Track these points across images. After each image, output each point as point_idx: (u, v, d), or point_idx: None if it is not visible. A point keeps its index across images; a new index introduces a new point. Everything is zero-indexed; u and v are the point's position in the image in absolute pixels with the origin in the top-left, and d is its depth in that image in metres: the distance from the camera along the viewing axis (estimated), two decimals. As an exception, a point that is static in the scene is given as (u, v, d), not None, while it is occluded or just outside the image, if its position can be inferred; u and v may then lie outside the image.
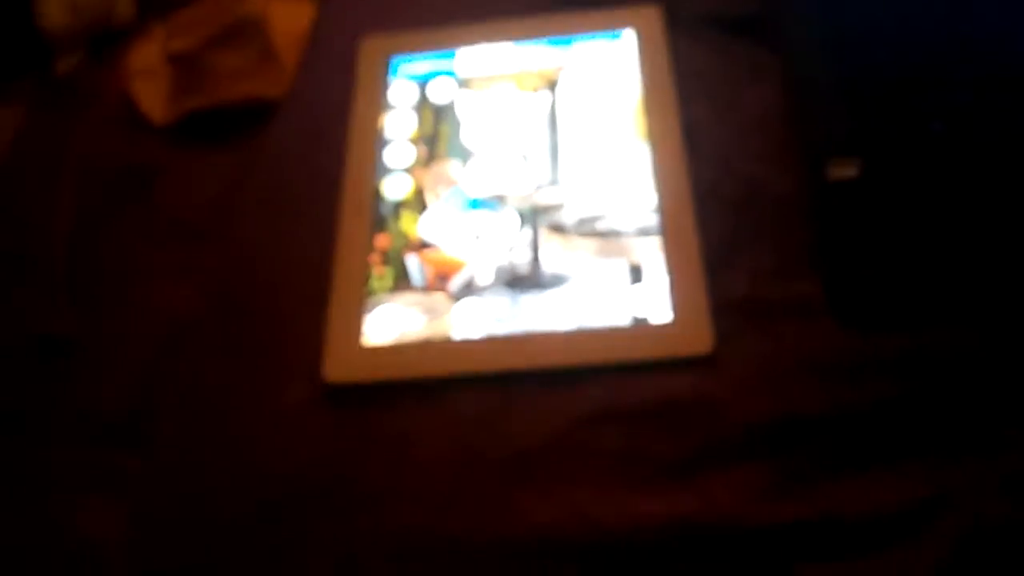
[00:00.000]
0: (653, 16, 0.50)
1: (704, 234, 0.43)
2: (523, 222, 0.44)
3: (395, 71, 0.51)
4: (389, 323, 0.42)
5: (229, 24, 0.52)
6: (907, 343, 0.38)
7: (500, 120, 0.48)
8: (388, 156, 0.48)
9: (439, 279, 0.43)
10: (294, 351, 0.42)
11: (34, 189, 0.52)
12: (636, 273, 0.42)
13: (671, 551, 0.35)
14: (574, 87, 0.49)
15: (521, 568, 0.36)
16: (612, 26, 0.50)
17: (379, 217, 0.45)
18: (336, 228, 0.45)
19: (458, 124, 0.48)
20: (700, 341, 0.39)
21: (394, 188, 0.47)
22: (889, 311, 0.39)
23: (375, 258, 0.44)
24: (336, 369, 0.41)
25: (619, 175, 0.45)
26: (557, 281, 0.42)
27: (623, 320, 0.40)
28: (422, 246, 0.44)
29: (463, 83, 0.50)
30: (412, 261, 0.44)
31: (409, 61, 0.52)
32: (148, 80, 0.54)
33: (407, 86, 0.51)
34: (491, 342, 0.41)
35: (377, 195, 0.46)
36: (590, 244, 0.43)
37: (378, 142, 0.48)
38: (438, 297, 0.42)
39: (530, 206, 0.45)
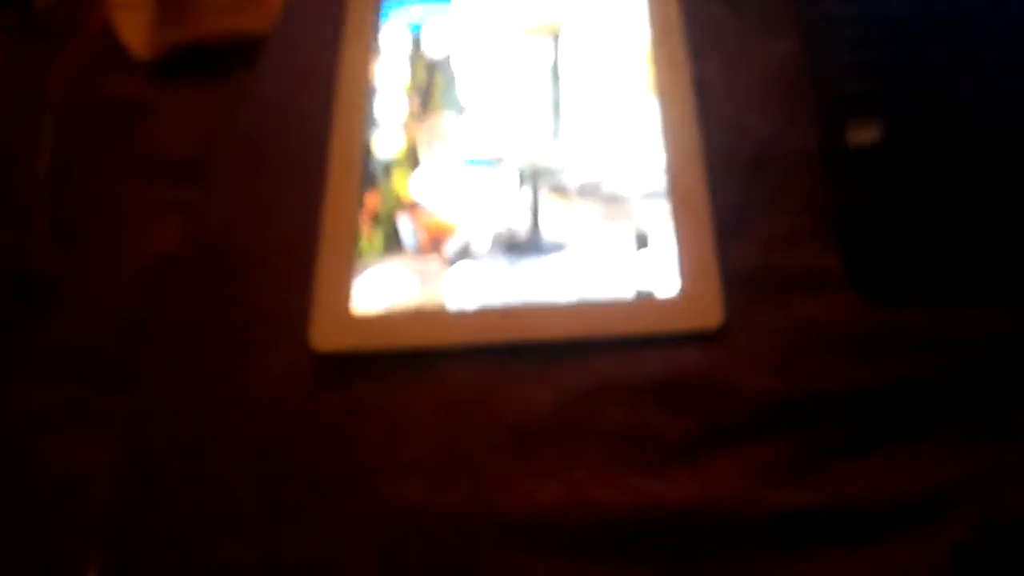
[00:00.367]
0: (663, -38, 0.47)
1: (715, 199, 0.40)
2: (522, 183, 0.42)
3: (386, 14, 0.48)
4: (379, 289, 0.39)
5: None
6: (930, 320, 0.36)
7: (499, 72, 0.45)
8: (379, 108, 0.45)
9: (433, 243, 0.40)
10: (278, 313, 0.40)
11: (14, 124, 0.50)
12: (642, 240, 0.39)
13: (675, 535, 0.33)
14: (579, 38, 0.46)
15: (519, 550, 0.34)
16: (619, -28, 0.47)
17: (369, 175, 0.43)
18: (324, 185, 0.43)
19: (454, 76, 0.45)
20: (709, 314, 0.37)
21: (385, 144, 0.44)
22: (912, 285, 0.37)
23: (365, 219, 0.41)
24: (323, 337, 0.38)
25: (625, 133, 0.42)
26: (558, 247, 0.40)
27: (627, 291, 0.38)
28: (414, 207, 0.42)
29: (460, 31, 0.47)
30: (404, 223, 0.41)
31: (402, 5, 0.48)
32: (131, 12, 0.51)
33: (400, 32, 0.47)
34: (487, 313, 0.38)
35: (367, 151, 0.43)
36: (593, 208, 0.40)
37: (368, 92, 0.45)
38: (431, 262, 0.40)
39: (530, 166, 0.42)
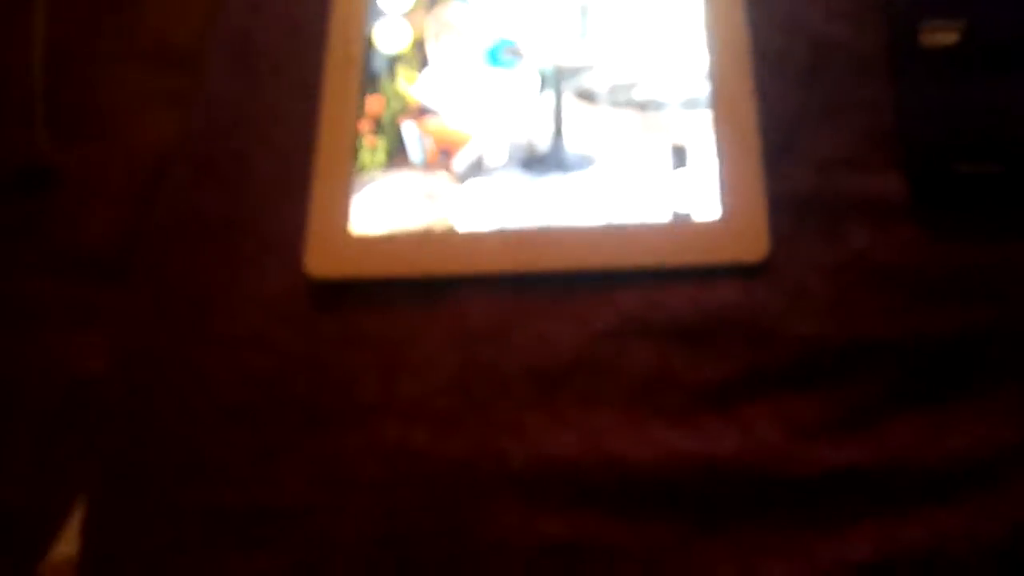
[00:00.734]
0: None
1: (764, 110, 0.35)
2: (544, 86, 0.37)
3: None
4: (382, 208, 0.35)
5: None
6: (1005, 258, 0.32)
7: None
8: (382, -5, 0.39)
9: (442, 155, 0.36)
10: (271, 234, 0.36)
11: (5, 10, 0.46)
12: (680, 156, 0.35)
13: (705, 494, 0.30)
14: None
15: (530, 503, 0.31)
16: None
17: (370, 74, 0.38)
18: (320, 84, 0.38)
19: (468, -43, 0.40)
20: (753, 244, 0.33)
21: (388, 37, 0.38)
22: (987, 216, 0.32)
23: (366, 125, 0.37)
24: (319, 262, 0.34)
25: (663, 29, 0.37)
26: (583, 163, 0.35)
27: (661, 215, 0.34)
28: (422, 112, 0.37)
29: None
30: (410, 131, 0.36)
31: None
32: None
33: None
34: (503, 236, 0.34)
35: (368, 45, 0.38)
36: (625, 117, 0.36)
37: (370, -23, 0.39)
38: (440, 177, 0.35)
39: (553, 66, 0.37)
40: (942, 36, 0.34)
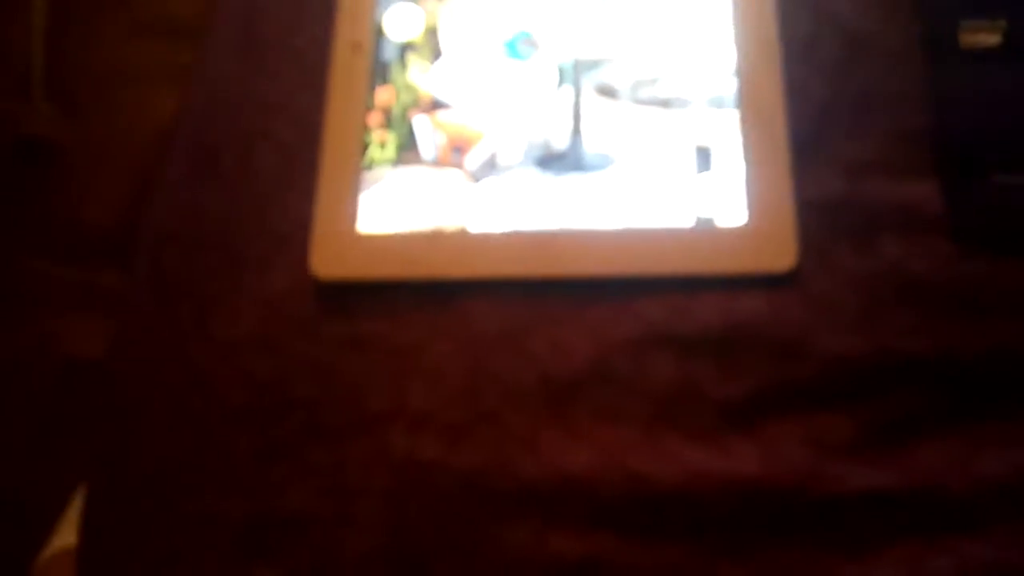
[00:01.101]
0: None
1: (794, 109, 0.33)
2: (562, 80, 0.35)
3: None
4: (391, 206, 0.34)
5: None
6: (1045, 275, 0.30)
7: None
8: (393, -20, 0.37)
9: (454, 152, 0.34)
10: (274, 231, 0.34)
11: None
12: (704, 157, 0.33)
13: (728, 516, 0.29)
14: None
15: (543, 519, 0.30)
16: None
17: (381, 64, 0.36)
18: (327, 72, 0.36)
19: (484, -59, 0.38)
20: (781, 253, 0.31)
21: (400, 23, 0.37)
22: (1028, 231, 0.31)
23: (375, 118, 0.35)
24: (325, 262, 0.33)
25: (689, 23, 0.35)
26: (603, 162, 0.33)
27: (684, 220, 0.32)
28: (434, 106, 0.35)
29: None
30: (422, 125, 0.35)
31: None
32: None
33: None
34: (517, 240, 0.32)
35: (379, 32, 0.36)
36: (647, 115, 0.34)
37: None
38: (453, 175, 0.34)
39: (572, 60, 0.35)
40: (983, 37, 0.33)
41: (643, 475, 0.29)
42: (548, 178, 0.33)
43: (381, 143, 0.34)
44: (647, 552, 0.29)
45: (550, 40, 0.35)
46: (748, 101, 0.33)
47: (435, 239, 0.33)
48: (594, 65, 0.35)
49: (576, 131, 0.34)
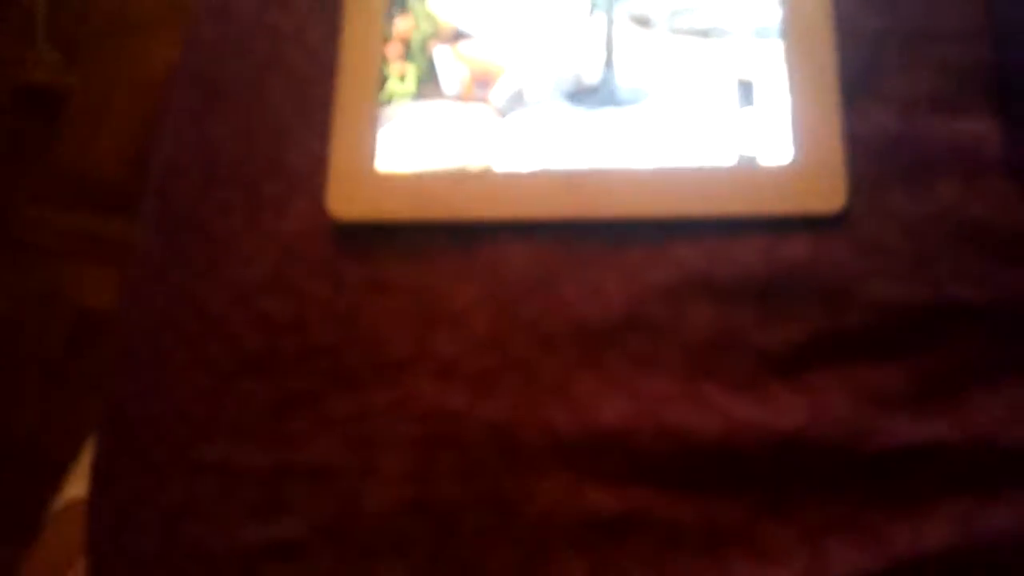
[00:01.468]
0: None
1: (843, 41, 0.31)
2: (594, 8, 0.33)
3: None
4: (411, 144, 0.32)
5: None
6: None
7: None
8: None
9: (478, 85, 0.32)
10: (290, 169, 0.33)
11: None
12: (747, 91, 0.31)
13: (770, 469, 0.27)
14: None
15: (578, 473, 0.28)
16: None
17: (398, -10, 0.34)
18: (341, 0, 0.34)
19: None
20: (828, 193, 0.29)
21: (418, -52, 0.34)
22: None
23: (393, 49, 0.33)
24: (343, 203, 0.31)
25: (729, -54, 0.33)
26: (637, 97, 0.31)
27: (726, 158, 0.30)
28: (456, 36, 0.33)
29: None
30: (443, 57, 0.33)
31: None
32: None
33: None
34: (547, 179, 0.31)
35: (395, -43, 0.34)
36: (685, 45, 0.32)
37: None
38: (477, 111, 0.32)
39: (605, -14, 0.33)
40: (1049, -41, 0.30)
41: (681, 427, 0.28)
42: (579, 113, 0.31)
43: (400, 76, 0.32)
44: (685, 507, 0.28)
45: (580, -35, 0.33)
46: (794, 31, 0.31)
47: (459, 179, 0.31)
48: (627, -8, 0.33)
49: (609, 63, 0.32)
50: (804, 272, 0.29)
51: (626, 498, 0.28)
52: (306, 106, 0.33)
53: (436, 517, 0.29)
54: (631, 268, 0.29)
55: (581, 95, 0.31)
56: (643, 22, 0.32)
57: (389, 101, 0.32)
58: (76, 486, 0.56)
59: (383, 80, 0.32)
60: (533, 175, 0.31)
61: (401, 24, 0.33)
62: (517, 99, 0.32)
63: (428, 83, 0.32)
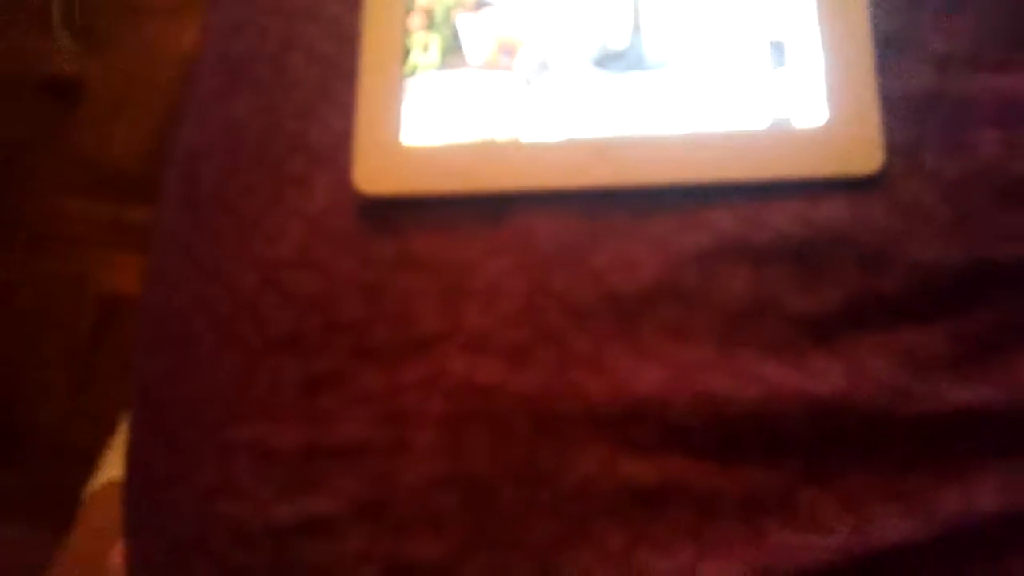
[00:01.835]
0: None
1: (877, -4, 0.30)
2: (619, -28, 0.32)
3: None
4: (436, 115, 0.31)
5: None
6: None
7: None
8: None
9: (503, 54, 0.32)
10: (315, 142, 0.32)
11: None
12: (779, 52, 0.30)
13: (810, 436, 0.27)
14: None
15: (613, 443, 0.28)
16: None
17: (420, -40, 0.33)
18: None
19: None
20: (865, 155, 0.29)
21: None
22: None
23: (416, 21, 0.32)
24: (369, 177, 0.31)
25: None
26: (666, 60, 0.31)
27: (758, 121, 0.29)
28: (480, 4, 0.32)
29: None
30: (467, 25, 0.32)
31: None
32: None
33: None
34: (575, 147, 0.30)
35: (415, -74, 0.33)
36: (715, 7, 0.31)
37: None
38: (502, 80, 0.31)
39: (630, -52, 0.32)
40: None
41: (717, 394, 0.27)
42: (607, 79, 0.31)
43: (424, 47, 0.32)
44: (723, 476, 0.27)
45: (604, -72, 0.32)
46: (826, -12, 0.30)
47: (486, 150, 0.30)
48: (653, -46, 0.32)
49: (636, 26, 0.31)
50: (841, 235, 0.28)
51: (663, 468, 0.28)
52: (329, 81, 0.32)
53: (471, 492, 0.29)
54: (663, 235, 0.29)
55: (608, 60, 0.31)
56: (670, -16, 0.31)
57: (413, 73, 0.32)
58: (112, 468, 0.57)
59: (406, 52, 0.32)
60: (561, 144, 0.30)
61: (423, -6, 0.33)
62: (543, 67, 0.31)
63: (452, 53, 0.32)
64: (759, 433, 0.27)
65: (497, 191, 0.30)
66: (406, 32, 0.32)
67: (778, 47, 0.30)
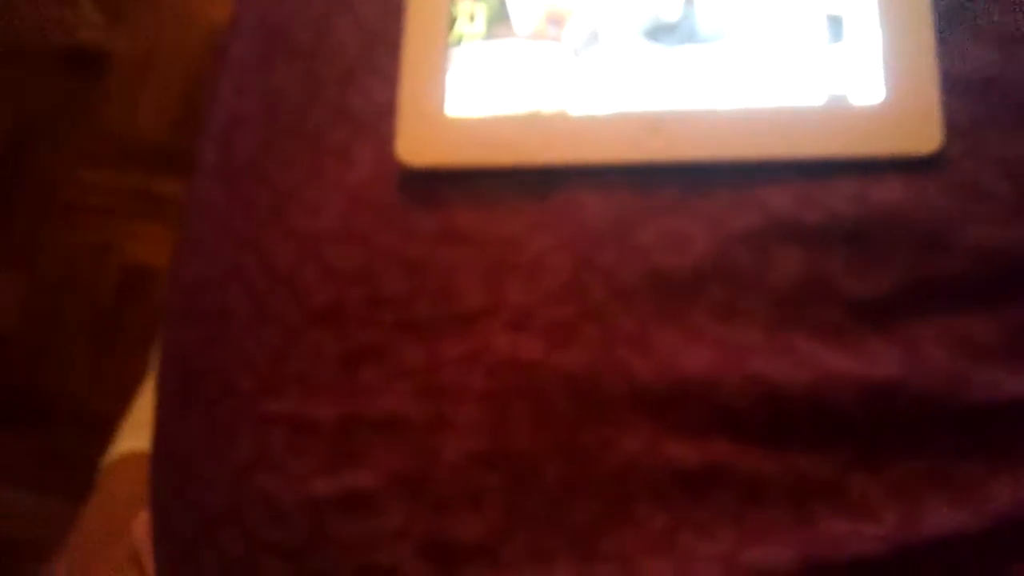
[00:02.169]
0: None
1: (937, -29, 0.29)
2: (670, -58, 0.31)
3: None
4: (482, 87, 0.30)
5: None
6: None
7: None
8: None
9: (551, 24, 0.31)
10: (357, 113, 0.32)
11: None
12: (836, 27, 0.29)
13: (863, 422, 0.26)
14: None
15: (659, 424, 0.27)
16: None
17: (465, -74, 0.32)
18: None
19: None
20: (923, 134, 0.28)
21: None
22: None
23: (461, -11, 0.32)
24: (413, 148, 0.30)
25: None
26: (720, 33, 0.30)
27: (814, 97, 0.29)
28: (527, -27, 0.31)
29: None
30: (513, -5, 0.31)
31: None
32: None
33: None
34: (624, 121, 0.29)
35: None
36: (768, -20, 0.30)
37: None
38: (550, 50, 0.30)
39: (682, -82, 0.31)
40: None
41: (767, 377, 0.27)
42: (658, 52, 0.30)
43: (470, 16, 0.31)
44: (771, 461, 0.27)
45: None
46: (886, -38, 0.29)
47: (532, 122, 0.30)
48: (706, -76, 0.31)
49: (688, -1, 0.30)
50: (897, 216, 0.27)
51: (708, 450, 0.27)
52: (372, 50, 0.32)
53: (512, 469, 0.28)
54: (714, 214, 0.28)
55: (660, 32, 0.30)
56: (724, -45, 0.30)
57: (459, 42, 0.31)
58: (128, 439, 0.56)
59: (452, 21, 0.31)
60: (610, 117, 0.29)
61: (469, -39, 0.32)
62: (593, 38, 0.30)
63: (499, 23, 0.31)
64: (809, 417, 0.27)
65: (543, 165, 0.29)
66: (452, 1, 0.31)
67: (836, 21, 0.29)
